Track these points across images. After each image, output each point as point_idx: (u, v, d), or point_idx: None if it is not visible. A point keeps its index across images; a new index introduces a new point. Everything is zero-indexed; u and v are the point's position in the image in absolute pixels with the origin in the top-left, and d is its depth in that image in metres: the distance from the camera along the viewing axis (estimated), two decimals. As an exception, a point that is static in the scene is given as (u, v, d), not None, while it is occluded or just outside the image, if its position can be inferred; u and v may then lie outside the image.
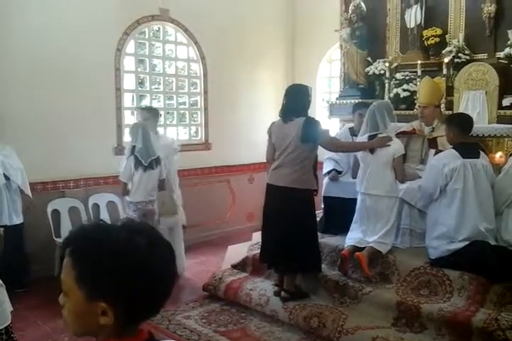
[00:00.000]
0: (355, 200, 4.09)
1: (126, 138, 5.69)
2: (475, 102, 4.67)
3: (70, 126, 5.08)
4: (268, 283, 4.19)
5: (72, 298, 0.96)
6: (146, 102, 6.28)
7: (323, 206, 4.74)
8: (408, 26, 5.36)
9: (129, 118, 6.04)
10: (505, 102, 4.63)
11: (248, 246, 4.75)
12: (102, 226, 1.00)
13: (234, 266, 4.59)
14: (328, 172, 4.75)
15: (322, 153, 4.39)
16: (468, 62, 4.89)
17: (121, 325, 0.96)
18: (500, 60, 4.76)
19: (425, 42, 5.23)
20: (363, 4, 5.54)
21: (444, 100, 4.94)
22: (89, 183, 5.25)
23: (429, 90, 4.47)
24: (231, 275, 4.43)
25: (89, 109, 5.22)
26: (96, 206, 5.20)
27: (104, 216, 5.20)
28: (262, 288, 4.11)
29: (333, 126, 6.08)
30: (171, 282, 1.01)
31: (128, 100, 5.91)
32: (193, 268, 5.22)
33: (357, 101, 5.26)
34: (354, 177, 4.15)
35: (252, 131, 6.65)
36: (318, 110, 6.90)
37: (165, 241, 1.03)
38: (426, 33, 5.20)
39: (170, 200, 4.93)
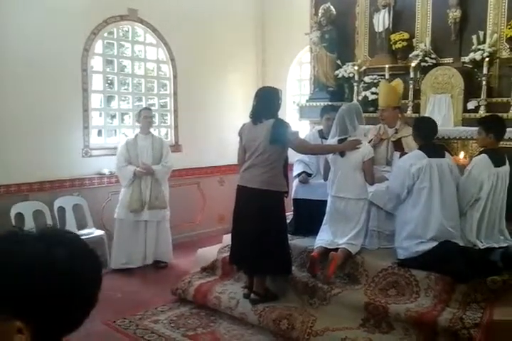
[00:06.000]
0: (324, 202, 4.11)
1: (94, 139, 5.61)
2: (441, 105, 4.77)
3: (35, 128, 4.95)
4: (238, 285, 4.16)
5: None
6: (114, 104, 6.19)
7: (293, 208, 4.75)
8: (376, 30, 5.44)
9: (97, 120, 5.94)
10: (470, 105, 4.74)
11: (218, 249, 4.70)
12: (16, 237, 0.89)
13: (203, 269, 4.54)
14: (299, 175, 4.76)
15: (292, 155, 4.40)
16: (434, 66, 4.99)
17: None
18: (465, 65, 4.87)
19: (393, 46, 5.31)
20: (332, 8, 5.59)
21: (411, 103, 5.03)
22: (55, 186, 5.13)
23: (385, 93, 4.56)
24: (200, 279, 4.39)
25: (55, 110, 5.10)
26: (61, 209, 5.08)
27: (70, 219, 5.09)
28: (231, 290, 4.08)
29: (303, 128, 6.12)
30: (94, 295, 0.93)
31: (96, 101, 5.80)
32: (162, 272, 5.16)
33: (326, 103, 5.30)
34: (325, 179, 4.17)
35: (223, 133, 6.63)
36: (289, 112, 6.93)
37: (90, 251, 0.94)
38: (394, 37, 5.29)
39: (161, 195, 5.17)
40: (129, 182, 5.08)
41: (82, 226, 5.15)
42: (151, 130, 5.43)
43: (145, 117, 5.21)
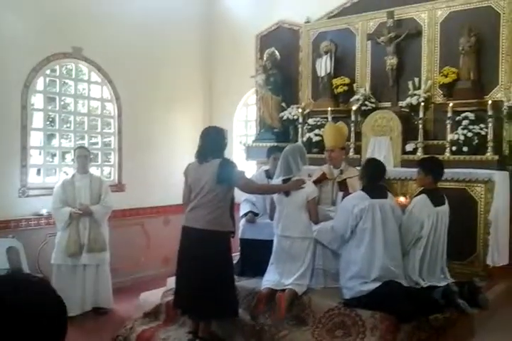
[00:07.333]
0: (272, 242, 4.09)
1: (32, 179, 5.38)
2: (381, 147, 4.96)
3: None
4: (182, 331, 3.98)
5: None
6: (55, 142, 6.01)
7: (239, 248, 4.69)
8: (319, 75, 5.66)
9: (37, 158, 5.73)
10: (408, 147, 4.96)
11: (162, 293, 4.52)
12: None
13: (146, 314, 4.33)
14: (245, 214, 4.74)
15: (239, 195, 4.39)
16: (374, 109, 5.22)
17: None
18: (403, 109, 5.13)
19: (335, 90, 5.53)
20: (276, 52, 5.79)
21: (352, 145, 5.20)
22: (-12, 228, 4.84)
23: (334, 134, 4.65)
24: (143, 325, 4.17)
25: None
26: (-6, 252, 4.76)
27: (3, 263, 4.77)
28: (175, 337, 3.89)
29: (250, 169, 6.15)
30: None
31: (36, 139, 5.61)
32: (102, 319, 4.89)
33: (272, 144, 5.38)
34: (271, 218, 4.17)
35: (168, 173, 6.54)
36: (236, 152, 6.97)
37: (48, 297, 0.87)
38: (335, 81, 5.52)
39: (100, 236, 4.95)
40: (65, 225, 4.83)
41: (16, 270, 4.83)
42: (92, 169, 5.27)
43: (78, 156, 5.02)
